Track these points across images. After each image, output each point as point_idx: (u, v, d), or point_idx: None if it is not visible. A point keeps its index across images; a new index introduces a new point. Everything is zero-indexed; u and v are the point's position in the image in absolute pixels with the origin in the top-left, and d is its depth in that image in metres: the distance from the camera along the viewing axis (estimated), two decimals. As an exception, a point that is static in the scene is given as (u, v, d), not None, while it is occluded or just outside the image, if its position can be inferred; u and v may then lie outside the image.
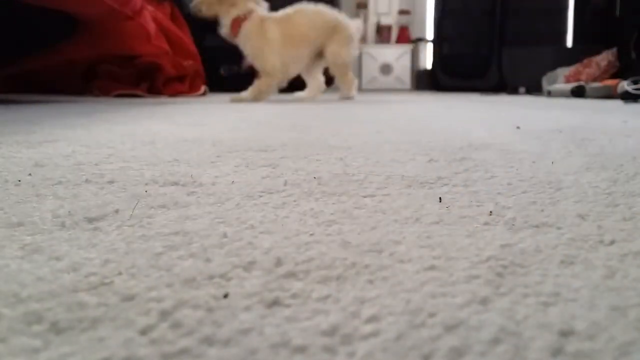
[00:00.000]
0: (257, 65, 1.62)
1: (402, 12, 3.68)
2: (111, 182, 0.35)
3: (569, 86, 2.06)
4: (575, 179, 0.37)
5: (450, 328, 0.15)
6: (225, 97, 2.02)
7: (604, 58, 2.34)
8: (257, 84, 1.62)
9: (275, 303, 0.17)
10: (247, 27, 1.58)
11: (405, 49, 3.64)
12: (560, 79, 2.38)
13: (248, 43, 1.60)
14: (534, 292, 0.18)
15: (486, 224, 0.26)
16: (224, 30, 1.61)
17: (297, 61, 1.65)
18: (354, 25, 1.73)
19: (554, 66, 2.50)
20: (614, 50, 2.35)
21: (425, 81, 3.58)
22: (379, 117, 0.95)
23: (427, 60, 3.75)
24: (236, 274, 0.19)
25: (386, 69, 3.63)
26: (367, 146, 0.54)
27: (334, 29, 1.67)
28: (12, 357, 0.14)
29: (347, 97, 1.79)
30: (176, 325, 0.15)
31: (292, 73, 1.68)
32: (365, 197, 0.32)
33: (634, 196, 0.32)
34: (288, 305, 0.17)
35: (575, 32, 3.12)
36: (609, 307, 0.16)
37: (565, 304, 0.17)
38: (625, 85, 1.55)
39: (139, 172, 0.39)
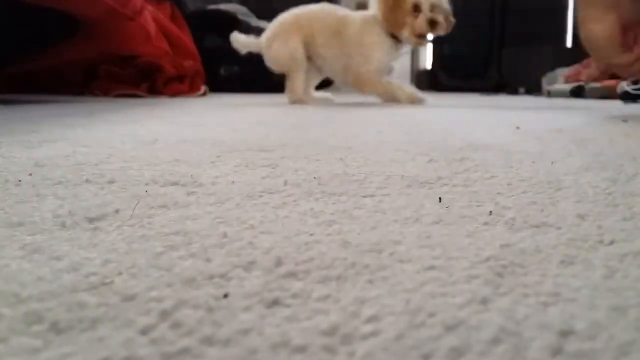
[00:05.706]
0: None
1: (402, 12, 3.68)
2: (111, 182, 0.35)
3: (569, 86, 2.06)
4: (575, 179, 0.37)
5: (450, 328, 0.15)
6: (225, 97, 2.02)
7: (604, 58, 2.33)
8: None
9: (275, 303, 0.17)
10: None
11: (406, 49, 3.64)
12: (559, 79, 2.38)
13: None
14: (533, 292, 0.18)
15: (486, 223, 0.26)
16: None
17: None
18: None
19: (553, 66, 2.50)
20: (614, 50, 2.34)
21: (425, 81, 3.58)
22: (378, 117, 0.95)
23: (427, 60, 3.75)
24: (236, 273, 0.19)
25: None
26: (367, 146, 0.54)
27: None
28: (12, 356, 0.14)
29: None
30: (176, 325, 0.15)
31: None
32: (365, 197, 0.32)
33: (633, 196, 0.32)
34: (288, 305, 0.17)
35: (575, 32, 3.12)
36: (608, 307, 0.16)
37: (565, 303, 0.17)
38: (624, 86, 1.55)
39: (139, 172, 0.39)
